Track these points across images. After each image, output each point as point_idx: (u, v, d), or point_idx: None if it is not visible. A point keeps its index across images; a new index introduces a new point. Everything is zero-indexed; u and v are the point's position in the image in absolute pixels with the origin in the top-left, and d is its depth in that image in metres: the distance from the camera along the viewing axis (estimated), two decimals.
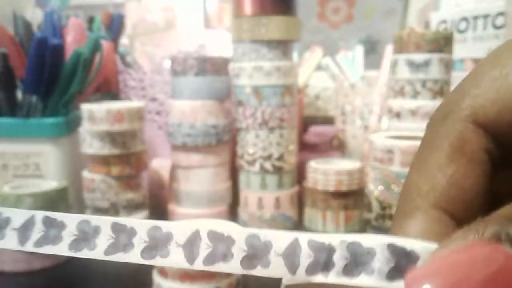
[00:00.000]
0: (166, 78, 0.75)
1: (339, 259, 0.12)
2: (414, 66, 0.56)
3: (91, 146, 0.58)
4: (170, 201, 0.64)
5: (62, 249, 0.13)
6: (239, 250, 0.13)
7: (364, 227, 0.52)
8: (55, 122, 0.56)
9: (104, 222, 0.13)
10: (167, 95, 0.75)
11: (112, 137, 0.57)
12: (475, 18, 0.99)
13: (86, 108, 0.57)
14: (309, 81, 0.93)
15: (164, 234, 0.13)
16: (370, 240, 0.12)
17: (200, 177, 0.62)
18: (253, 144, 0.62)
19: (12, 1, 0.77)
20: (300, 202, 0.65)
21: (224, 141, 0.63)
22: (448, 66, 0.57)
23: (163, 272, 0.40)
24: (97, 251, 0.13)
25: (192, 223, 0.13)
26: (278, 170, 0.62)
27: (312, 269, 0.12)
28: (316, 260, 0.12)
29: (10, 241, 0.14)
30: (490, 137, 0.13)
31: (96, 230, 0.13)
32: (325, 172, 0.59)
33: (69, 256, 0.53)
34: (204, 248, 0.13)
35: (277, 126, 0.61)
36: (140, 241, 0.13)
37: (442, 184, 0.13)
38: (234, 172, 0.66)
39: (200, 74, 0.60)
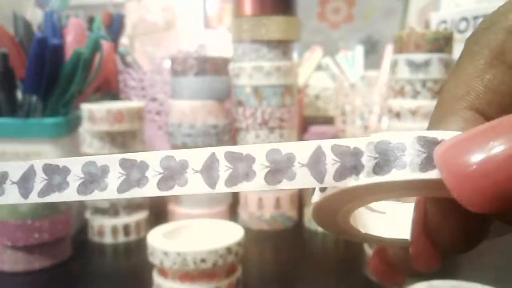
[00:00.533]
0: (166, 78, 0.75)
1: (367, 160, 0.12)
2: (414, 66, 0.56)
3: (91, 146, 0.58)
4: (170, 201, 0.64)
5: (70, 195, 0.13)
6: (260, 167, 0.12)
7: None
8: (55, 122, 0.56)
9: (111, 160, 0.13)
10: (167, 95, 0.75)
11: (112, 137, 0.57)
12: (475, 18, 0.99)
13: (86, 108, 0.57)
14: (309, 81, 0.93)
15: (178, 163, 0.12)
16: (399, 136, 0.12)
17: None
18: (253, 144, 0.62)
19: (12, 1, 0.77)
20: (300, 202, 0.65)
21: (224, 141, 0.63)
22: (448, 66, 0.57)
23: (163, 272, 0.40)
24: (109, 191, 0.12)
25: (206, 148, 0.12)
26: None
27: (340, 175, 0.12)
28: (343, 165, 0.12)
29: (11, 195, 0.13)
30: None
31: (104, 170, 0.13)
32: None
33: (69, 256, 0.53)
34: (224, 170, 0.12)
35: (277, 126, 0.61)
36: (154, 173, 0.12)
37: (478, 88, 0.13)
38: None
39: (200, 74, 0.60)
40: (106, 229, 0.57)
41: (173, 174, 0.12)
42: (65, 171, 0.13)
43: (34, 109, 0.56)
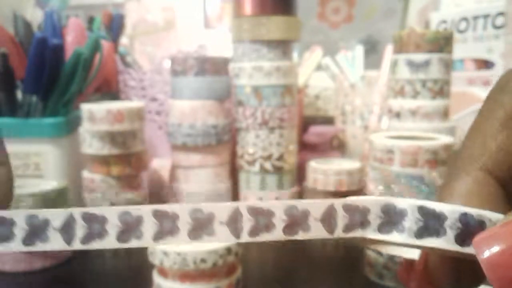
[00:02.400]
0: (166, 78, 0.75)
1: (374, 218, 0.14)
2: (414, 66, 0.56)
3: (91, 146, 0.58)
4: (170, 201, 0.64)
5: (111, 243, 0.14)
6: (279, 221, 0.14)
7: None
8: (55, 122, 0.56)
9: (145, 211, 0.14)
10: (167, 95, 0.75)
11: (112, 137, 0.57)
12: (475, 18, 0.99)
13: (86, 108, 0.57)
14: (309, 81, 0.93)
15: (206, 215, 0.14)
16: (403, 202, 0.13)
17: (200, 177, 0.62)
18: (253, 144, 0.62)
19: (12, 1, 0.77)
20: None
21: (224, 141, 0.63)
22: (448, 66, 0.57)
23: (163, 272, 0.40)
24: (145, 239, 0.14)
25: (231, 203, 0.14)
26: (278, 170, 0.62)
27: (348, 228, 0.14)
28: (352, 220, 0.14)
29: (56, 242, 0.14)
30: None
31: (139, 220, 0.14)
32: (325, 172, 0.59)
33: (69, 256, 0.53)
34: (247, 222, 0.14)
35: (277, 126, 0.61)
36: (184, 223, 0.14)
37: (492, 148, 0.14)
38: (234, 172, 0.66)
39: (200, 74, 0.60)
40: None
41: (201, 224, 0.14)
42: (103, 220, 0.14)
43: (34, 109, 0.56)
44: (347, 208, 0.14)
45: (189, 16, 1.48)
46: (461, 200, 0.14)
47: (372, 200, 0.14)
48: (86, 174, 0.59)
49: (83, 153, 0.59)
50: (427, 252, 0.16)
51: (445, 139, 0.46)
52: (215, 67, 0.61)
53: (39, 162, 0.57)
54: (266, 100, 0.60)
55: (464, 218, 0.13)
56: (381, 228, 0.14)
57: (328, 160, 0.65)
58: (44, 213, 0.14)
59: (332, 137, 0.81)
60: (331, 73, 0.88)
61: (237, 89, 0.62)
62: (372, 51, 1.60)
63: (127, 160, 0.59)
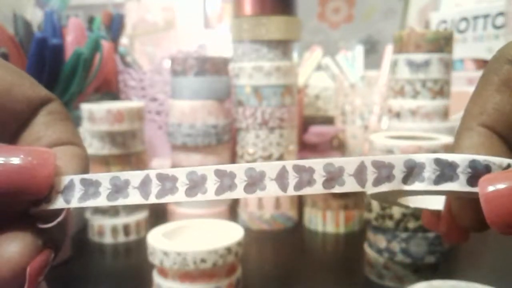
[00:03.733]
0: (166, 78, 0.75)
1: (398, 172, 0.16)
2: (414, 66, 0.56)
3: (91, 146, 0.58)
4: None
5: (180, 197, 0.16)
6: (319, 176, 0.16)
7: (364, 227, 0.52)
8: None
9: (208, 170, 0.16)
10: (167, 95, 0.75)
11: (112, 137, 0.57)
12: (475, 18, 0.99)
13: (86, 108, 0.57)
14: (309, 81, 0.93)
15: (258, 173, 0.16)
16: (421, 157, 0.16)
17: None
18: (253, 144, 0.62)
19: (12, 1, 0.77)
20: (300, 202, 0.65)
21: (224, 141, 0.63)
22: (448, 66, 0.57)
23: (163, 272, 0.40)
24: (209, 193, 0.16)
25: (279, 162, 0.16)
26: None
27: (377, 182, 0.16)
28: (380, 175, 0.16)
29: (135, 198, 0.16)
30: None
31: (203, 177, 0.16)
32: None
33: (69, 256, 0.53)
34: (293, 178, 0.16)
35: (277, 126, 0.61)
36: (240, 180, 0.16)
37: (489, 109, 0.17)
38: None
39: (200, 74, 0.60)
40: (106, 229, 0.57)
41: (254, 181, 0.16)
42: (174, 179, 0.16)
43: None
44: (376, 165, 0.16)
45: (189, 16, 1.48)
46: (469, 151, 0.17)
47: (396, 157, 0.16)
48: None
49: None
50: (449, 199, 0.18)
51: (445, 139, 0.46)
52: (215, 67, 0.61)
53: None
54: (266, 100, 0.60)
55: (473, 164, 0.15)
56: (405, 180, 0.16)
57: None
58: (125, 175, 0.16)
59: (332, 137, 0.81)
60: (331, 73, 0.88)
61: (237, 89, 0.62)
62: (372, 51, 1.60)
63: (127, 160, 0.59)
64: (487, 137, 0.17)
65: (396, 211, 0.44)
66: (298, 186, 0.16)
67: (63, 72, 0.55)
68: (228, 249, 0.39)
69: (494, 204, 0.14)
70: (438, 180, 0.15)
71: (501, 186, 0.14)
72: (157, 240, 0.41)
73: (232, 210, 0.65)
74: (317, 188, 0.16)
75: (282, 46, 0.61)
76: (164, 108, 0.76)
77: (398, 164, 0.16)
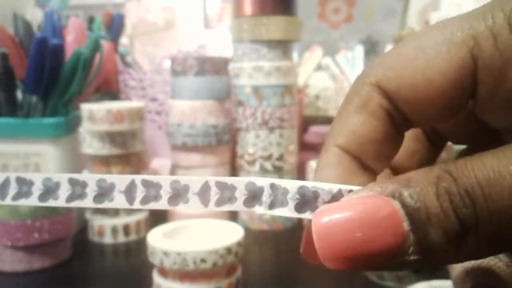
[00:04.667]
0: (166, 78, 0.75)
1: (240, 195, 0.16)
2: None
3: (91, 146, 0.58)
4: None
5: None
6: (166, 192, 0.16)
7: None
8: (55, 122, 0.56)
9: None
10: (167, 95, 0.75)
11: (112, 137, 0.57)
12: None
13: (86, 108, 0.57)
14: (309, 81, 0.93)
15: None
16: (261, 181, 0.16)
17: None
18: (253, 144, 0.62)
19: (12, 1, 0.77)
20: None
21: (224, 141, 0.63)
22: None
23: (163, 272, 0.40)
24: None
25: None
26: (278, 170, 0.62)
27: (219, 203, 0.16)
28: (222, 196, 0.16)
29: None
30: (390, 100, 0.16)
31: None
32: None
33: (69, 256, 0.53)
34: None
35: (277, 126, 0.61)
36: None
37: (345, 130, 0.17)
38: (234, 172, 0.66)
39: (200, 74, 0.60)
40: (106, 229, 0.57)
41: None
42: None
43: (34, 109, 0.56)
44: (219, 185, 0.16)
45: (189, 16, 1.48)
46: (321, 171, 0.17)
47: (237, 179, 0.16)
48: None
49: (83, 153, 0.59)
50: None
51: None
52: (215, 67, 0.61)
53: (39, 162, 0.57)
54: (266, 100, 0.60)
55: (301, 190, 0.16)
56: (246, 203, 0.16)
57: None
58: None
59: None
60: (331, 73, 0.88)
61: (237, 89, 0.62)
62: (372, 51, 1.60)
63: (127, 160, 0.59)
64: (338, 158, 0.17)
65: None
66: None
67: (63, 72, 0.55)
68: (228, 249, 0.39)
69: (325, 238, 0.13)
70: (272, 204, 0.16)
71: (332, 217, 0.14)
72: (157, 240, 0.41)
73: (232, 210, 0.65)
74: (162, 204, 0.16)
75: (282, 46, 0.61)
76: (164, 108, 0.76)
77: (240, 186, 0.16)
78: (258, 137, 0.61)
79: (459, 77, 0.15)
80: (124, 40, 1.02)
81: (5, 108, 0.55)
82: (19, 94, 0.57)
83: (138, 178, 0.16)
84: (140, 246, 0.56)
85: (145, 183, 0.16)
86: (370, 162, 0.17)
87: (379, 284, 0.46)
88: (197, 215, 0.59)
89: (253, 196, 0.16)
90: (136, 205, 0.16)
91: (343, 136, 0.17)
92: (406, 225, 0.13)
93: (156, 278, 0.41)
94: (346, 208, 0.14)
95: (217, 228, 0.45)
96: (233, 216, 0.64)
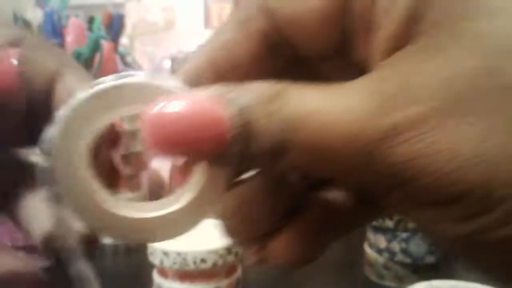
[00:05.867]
0: None
1: None
2: None
3: None
4: None
5: None
6: None
7: (364, 227, 0.52)
8: None
9: None
10: None
11: None
12: None
13: None
14: None
15: None
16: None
17: None
18: None
19: (12, 1, 0.77)
20: None
21: None
22: None
23: (163, 272, 0.40)
24: None
25: None
26: None
27: None
28: None
29: None
30: (271, 20, 0.16)
31: None
32: None
33: None
34: None
35: None
36: None
37: (217, 43, 0.17)
38: None
39: None
40: None
41: None
42: None
43: None
44: None
45: (189, 16, 1.48)
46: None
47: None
48: None
49: None
50: None
51: None
52: None
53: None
54: None
55: None
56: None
57: None
58: None
59: None
60: None
61: None
62: None
63: (127, 160, 0.59)
64: (202, 73, 0.17)
65: None
66: None
67: None
68: (228, 249, 0.39)
69: (157, 124, 0.14)
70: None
71: (169, 108, 0.14)
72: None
73: None
74: None
75: None
76: None
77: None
78: None
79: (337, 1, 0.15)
80: (124, 40, 1.02)
81: None
82: None
83: None
84: (140, 246, 0.56)
85: None
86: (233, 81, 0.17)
87: (379, 284, 0.46)
88: None
89: None
90: None
91: (214, 48, 0.17)
92: (232, 133, 0.13)
93: (156, 278, 0.41)
94: (185, 101, 0.14)
95: (217, 228, 0.45)
96: None
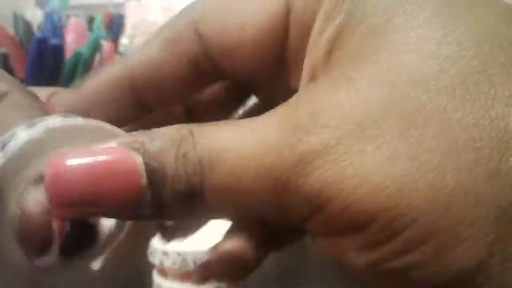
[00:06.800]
0: None
1: None
2: None
3: None
4: None
5: None
6: None
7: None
8: None
9: None
10: None
11: None
12: None
13: None
14: None
15: None
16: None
17: None
18: None
19: (12, 1, 0.77)
20: None
21: None
22: None
23: (163, 272, 0.40)
24: None
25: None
26: None
27: None
28: None
29: None
30: (202, 43, 0.16)
31: None
32: None
33: None
34: None
35: None
36: None
37: (140, 59, 0.16)
38: None
39: None
40: None
41: None
42: None
43: None
44: None
45: None
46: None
47: None
48: None
49: None
50: None
51: None
52: None
53: None
54: None
55: None
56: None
57: None
58: None
59: None
60: None
61: None
62: None
63: None
64: (114, 86, 0.17)
65: None
66: None
67: (63, 72, 0.55)
68: None
69: (59, 181, 0.12)
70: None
71: (71, 161, 0.12)
72: (157, 240, 0.41)
73: None
74: None
75: None
76: None
77: None
78: None
79: (273, 25, 0.15)
80: (124, 40, 1.02)
81: None
82: None
83: None
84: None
85: None
86: (152, 102, 0.16)
87: None
88: None
89: None
90: None
91: (138, 63, 0.16)
92: (144, 182, 0.12)
93: (156, 278, 0.41)
94: (87, 154, 0.13)
95: (217, 228, 0.45)
96: None
